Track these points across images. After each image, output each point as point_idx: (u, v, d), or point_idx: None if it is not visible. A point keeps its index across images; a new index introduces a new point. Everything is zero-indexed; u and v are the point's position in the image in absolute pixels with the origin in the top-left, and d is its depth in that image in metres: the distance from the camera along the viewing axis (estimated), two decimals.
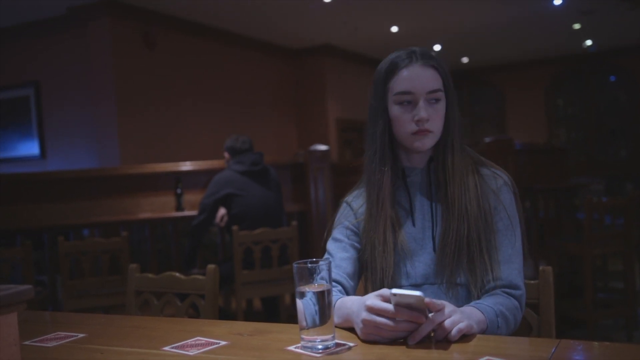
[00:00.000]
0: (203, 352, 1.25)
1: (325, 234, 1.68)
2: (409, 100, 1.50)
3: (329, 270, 1.23)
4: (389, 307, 1.19)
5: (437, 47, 9.63)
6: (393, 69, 1.52)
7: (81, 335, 1.45)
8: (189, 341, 1.33)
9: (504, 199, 1.53)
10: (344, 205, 1.66)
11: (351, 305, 1.32)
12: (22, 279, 3.76)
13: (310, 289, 1.19)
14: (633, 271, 4.36)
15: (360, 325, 1.23)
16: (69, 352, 1.33)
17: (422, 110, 1.49)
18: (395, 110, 1.52)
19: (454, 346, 1.20)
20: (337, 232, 1.62)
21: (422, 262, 1.52)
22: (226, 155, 4.27)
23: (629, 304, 4.09)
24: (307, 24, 7.94)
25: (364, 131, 1.62)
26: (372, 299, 1.22)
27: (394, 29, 8.29)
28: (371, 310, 1.21)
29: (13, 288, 1.03)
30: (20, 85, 7.12)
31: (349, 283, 1.53)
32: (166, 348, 1.29)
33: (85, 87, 6.71)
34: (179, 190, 4.98)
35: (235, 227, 3.87)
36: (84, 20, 6.54)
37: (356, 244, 1.59)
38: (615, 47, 10.21)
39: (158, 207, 5.08)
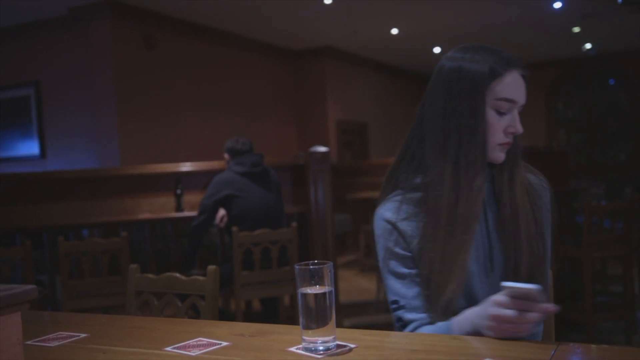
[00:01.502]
0: (205, 353, 1.25)
1: (363, 254, 1.55)
2: (506, 109, 1.38)
3: (331, 272, 1.23)
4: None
5: (437, 50, 9.65)
6: (499, 70, 1.36)
7: (83, 335, 1.46)
8: (190, 342, 1.34)
9: (550, 209, 1.48)
10: (388, 227, 1.44)
11: (471, 312, 1.29)
12: (22, 279, 3.76)
13: (311, 291, 1.20)
14: (632, 275, 4.37)
15: (489, 322, 1.21)
16: (71, 352, 1.34)
17: (519, 123, 1.40)
18: (490, 115, 1.38)
19: (455, 348, 1.20)
20: (395, 266, 1.42)
21: (483, 283, 1.41)
22: (226, 156, 4.27)
23: (628, 308, 4.09)
24: (307, 25, 7.95)
25: (404, 132, 1.50)
26: (498, 296, 1.21)
27: (394, 31, 8.30)
28: (499, 304, 1.19)
29: (17, 288, 1.03)
30: (21, 85, 7.13)
31: (428, 319, 1.40)
32: (168, 348, 1.30)
33: (85, 88, 6.72)
34: (178, 191, 4.99)
35: (235, 228, 3.87)
36: (84, 20, 6.55)
37: (413, 271, 1.41)
38: (615, 51, 10.23)
39: (158, 207, 5.09)
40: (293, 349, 1.23)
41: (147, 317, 1.73)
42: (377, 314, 5.16)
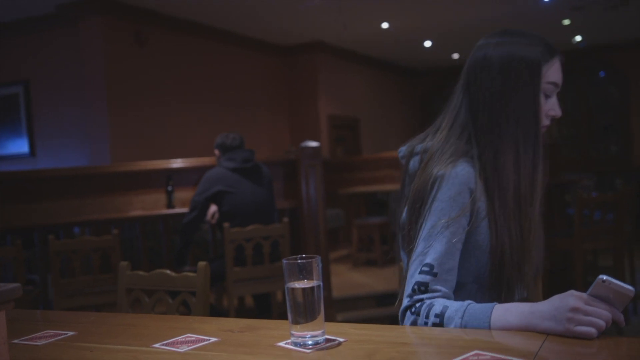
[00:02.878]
0: (193, 349, 1.25)
1: (409, 214, 1.44)
2: (551, 92, 1.45)
3: (319, 266, 1.22)
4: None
5: (428, 44, 9.65)
6: (550, 55, 1.44)
7: (71, 333, 1.45)
8: (179, 338, 1.33)
9: None
10: (466, 193, 1.39)
11: (531, 307, 1.21)
12: (13, 279, 3.74)
13: (299, 285, 1.19)
14: (623, 266, 4.39)
15: (569, 314, 1.13)
16: (58, 350, 1.33)
17: (558, 107, 1.46)
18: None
19: (444, 340, 1.20)
20: (453, 232, 1.36)
21: None
22: (216, 152, 4.26)
23: None
24: (298, 21, 7.93)
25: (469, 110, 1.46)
26: (576, 292, 1.17)
27: (385, 25, 8.29)
28: (582, 299, 1.14)
29: (1, 287, 1.02)
30: (9, 84, 7.08)
31: (452, 296, 1.37)
32: (156, 345, 1.29)
33: (75, 85, 6.69)
34: (169, 188, 4.97)
35: (226, 224, 3.86)
36: (74, 18, 6.51)
37: (461, 245, 1.39)
38: (605, 43, 10.26)
39: (149, 204, 5.07)
40: (282, 343, 1.23)
41: (137, 314, 1.72)
42: (370, 309, 5.16)
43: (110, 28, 6.51)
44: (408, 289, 1.36)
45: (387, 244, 6.87)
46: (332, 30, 8.32)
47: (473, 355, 1.07)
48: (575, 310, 1.13)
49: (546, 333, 1.16)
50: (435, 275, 1.34)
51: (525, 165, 1.41)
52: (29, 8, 6.49)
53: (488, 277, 1.42)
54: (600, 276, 1.13)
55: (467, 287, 1.43)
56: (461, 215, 1.37)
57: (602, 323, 1.12)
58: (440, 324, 1.28)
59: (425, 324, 1.30)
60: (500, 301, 1.33)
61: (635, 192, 5.16)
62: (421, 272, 1.35)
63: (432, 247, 1.36)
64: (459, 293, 1.41)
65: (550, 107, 1.45)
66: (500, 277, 1.40)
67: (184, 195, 5.02)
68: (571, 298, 1.15)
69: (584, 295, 1.15)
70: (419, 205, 1.42)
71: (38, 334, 1.45)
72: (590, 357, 1.07)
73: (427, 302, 1.32)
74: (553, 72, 1.44)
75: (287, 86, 9.43)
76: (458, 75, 1.57)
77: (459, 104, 1.50)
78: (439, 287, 1.34)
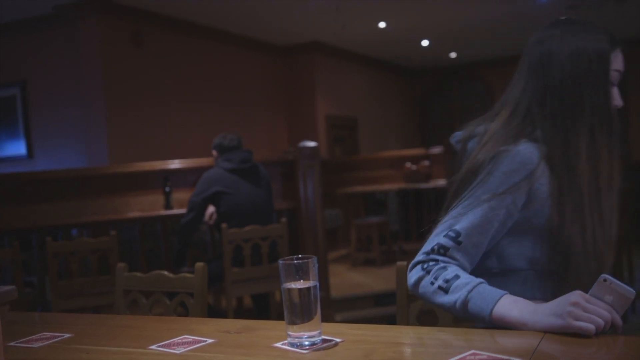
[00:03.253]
0: (190, 350, 1.25)
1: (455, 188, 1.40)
2: (615, 80, 1.44)
3: (315, 266, 1.22)
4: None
5: (425, 43, 9.65)
6: (614, 45, 1.43)
7: (67, 335, 1.45)
8: (175, 339, 1.33)
9: None
10: (524, 173, 1.34)
11: (535, 305, 1.21)
12: (11, 280, 3.74)
13: (296, 285, 1.19)
14: (621, 265, 4.39)
15: (570, 308, 1.13)
16: (54, 352, 1.33)
17: (619, 97, 1.46)
18: None
19: (441, 340, 1.20)
20: (494, 208, 1.32)
21: None
22: (214, 153, 4.25)
23: None
24: (297, 21, 7.93)
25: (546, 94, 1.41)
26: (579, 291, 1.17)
27: (382, 24, 8.29)
28: (583, 296, 1.15)
29: None
30: (7, 84, 7.06)
31: (469, 269, 1.35)
32: (153, 347, 1.29)
33: (73, 86, 6.67)
34: (167, 189, 4.96)
35: (224, 225, 3.86)
36: (72, 18, 6.50)
37: (498, 225, 1.34)
38: None
39: (147, 205, 5.07)
40: (279, 344, 1.23)
41: (135, 316, 1.72)
42: (369, 309, 5.16)
43: (109, 28, 6.50)
44: (427, 247, 1.35)
45: (386, 244, 6.87)
46: (330, 30, 8.32)
47: (470, 355, 1.06)
48: (575, 304, 1.13)
49: (546, 330, 1.16)
50: (459, 243, 1.32)
51: (602, 152, 1.39)
52: (27, 8, 6.47)
53: (546, 263, 1.37)
54: (602, 275, 1.14)
55: (522, 273, 1.39)
56: (507, 194, 1.32)
57: (601, 322, 1.12)
58: (445, 289, 1.28)
59: (432, 284, 1.30)
60: (563, 291, 1.29)
61: (634, 191, 5.16)
62: (446, 236, 1.33)
63: (466, 216, 1.33)
64: (512, 279, 1.38)
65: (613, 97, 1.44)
66: (567, 266, 1.35)
67: (182, 196, 5.01)
68: (573, 295, 1.15)
69: (586, 294, 1.16)
70: (472, 178, 1.38)
71: (34, 337, 1.45)
72: (587, 356, 1.06)
73: (442, 264, 1.31)
74: (618, 60, 1.44)
75: (285, 86, 9.43)
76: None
77: (521, 92, 1.45)
78: (458, 256, 1.32)
